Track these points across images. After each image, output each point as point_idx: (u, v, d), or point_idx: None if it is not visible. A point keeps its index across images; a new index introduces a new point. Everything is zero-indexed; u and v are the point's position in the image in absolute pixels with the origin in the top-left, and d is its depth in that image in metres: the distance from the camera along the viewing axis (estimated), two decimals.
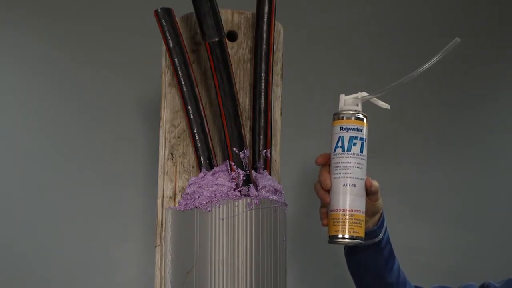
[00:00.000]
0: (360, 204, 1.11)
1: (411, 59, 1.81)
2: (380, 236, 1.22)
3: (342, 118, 1.11)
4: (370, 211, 1.18)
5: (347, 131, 1.11)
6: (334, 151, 1.12)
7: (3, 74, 1.53)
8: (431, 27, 1.88)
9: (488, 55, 1.93)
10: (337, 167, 1.11)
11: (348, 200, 1.09)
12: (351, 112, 1.11)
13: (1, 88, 1.53)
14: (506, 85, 1.94)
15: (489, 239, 1.80)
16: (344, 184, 1.10)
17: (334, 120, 1.13)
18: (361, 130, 1.11)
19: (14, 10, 1.55)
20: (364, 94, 1.12)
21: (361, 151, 1.11)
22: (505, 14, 1.97)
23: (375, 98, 1.13)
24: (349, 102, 1.12)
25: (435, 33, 1.89)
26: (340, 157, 1.11)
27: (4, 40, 1.54)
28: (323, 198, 1.13)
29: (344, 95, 1.13)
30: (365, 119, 1.12)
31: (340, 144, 1.11)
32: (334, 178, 1.11)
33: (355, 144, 1.10)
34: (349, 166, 1.10)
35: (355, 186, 1.10)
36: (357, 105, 1.12)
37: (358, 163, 1.11)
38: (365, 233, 1.13)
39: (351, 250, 1.26)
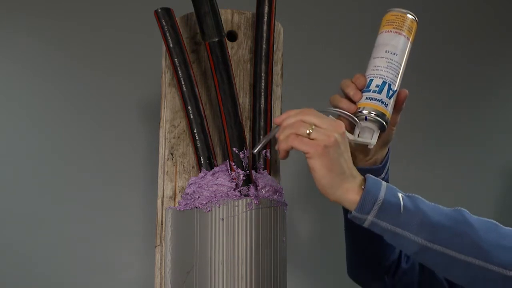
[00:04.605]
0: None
1: (411, 59, 1.81)
2: (383, 175, 1.17)
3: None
4: (385, 139, 1.14)
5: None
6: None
7: (3, 74, 1.54)
8: (432, 27, 1.88)
9: (487, 56, 1.93)
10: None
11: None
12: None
13: (1, 88, 1.53)
14: (506, 85, 1.95)
15: None
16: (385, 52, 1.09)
17: None
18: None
19: (14, 11, 1.55)
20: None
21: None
22: (505, 13, 1.97)
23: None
24: None
25: (436, 33, 1.89)
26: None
27: (4, 40, 1.54)
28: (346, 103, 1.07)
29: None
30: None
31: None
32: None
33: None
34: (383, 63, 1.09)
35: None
36: None
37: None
38: (370, 169, 1.11)
39: None
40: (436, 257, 0.96)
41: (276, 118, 1.01)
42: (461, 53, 1.91)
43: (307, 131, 0.95)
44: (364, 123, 1.06)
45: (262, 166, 1.08)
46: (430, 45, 1.88)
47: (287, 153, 1.01)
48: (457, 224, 0.96)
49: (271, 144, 1.11)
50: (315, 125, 0.96)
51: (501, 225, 0.99)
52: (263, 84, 1.09)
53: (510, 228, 0.99)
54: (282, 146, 0.98)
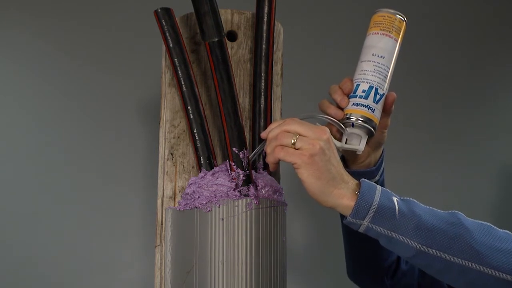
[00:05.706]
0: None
1: (411, 59, 1.81)
2: (377, 177, 1.17)
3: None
4: (377, 142, 1.14)
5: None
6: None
7: (3, 74, 1.54)
8: (432, 27, 1.88)
9: (487, 56, 1.93)
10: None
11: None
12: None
13: (1, 88, 1.53)
14: (506, 85, 1.95)
15: None
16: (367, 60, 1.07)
17: None
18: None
19: (15, 10, 1.55)
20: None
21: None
22: (505, 13, 1.97)
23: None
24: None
25: (436, 32, 1.89)
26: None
27: (4, 40, 1.54)
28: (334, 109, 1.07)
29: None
30: None
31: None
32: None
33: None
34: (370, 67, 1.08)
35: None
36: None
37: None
38: (363, 172, 1.10)
39: None
40: (431, 261, 0.96)
41: (262, 133, 1.03)
42: (461, 53, 1.91)
43: (292, 141, 0.96)
44: (351, 130, 1.06)
45: (262, 166, 1.08)
46: (431, 45, 1.88)
47: (276, 165, 1.02)
48: (452, 227, 0.96)
49: None
50: (299, 134, 0.96)
51: (496, 228, 0.99)
52: (263, 84, 1.09)
53: (505, 231, 0.99)
54: (269, 159, 1.00)
